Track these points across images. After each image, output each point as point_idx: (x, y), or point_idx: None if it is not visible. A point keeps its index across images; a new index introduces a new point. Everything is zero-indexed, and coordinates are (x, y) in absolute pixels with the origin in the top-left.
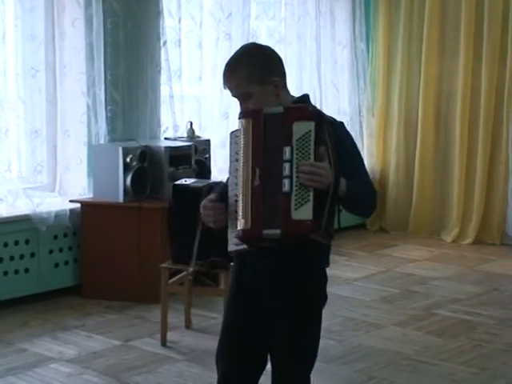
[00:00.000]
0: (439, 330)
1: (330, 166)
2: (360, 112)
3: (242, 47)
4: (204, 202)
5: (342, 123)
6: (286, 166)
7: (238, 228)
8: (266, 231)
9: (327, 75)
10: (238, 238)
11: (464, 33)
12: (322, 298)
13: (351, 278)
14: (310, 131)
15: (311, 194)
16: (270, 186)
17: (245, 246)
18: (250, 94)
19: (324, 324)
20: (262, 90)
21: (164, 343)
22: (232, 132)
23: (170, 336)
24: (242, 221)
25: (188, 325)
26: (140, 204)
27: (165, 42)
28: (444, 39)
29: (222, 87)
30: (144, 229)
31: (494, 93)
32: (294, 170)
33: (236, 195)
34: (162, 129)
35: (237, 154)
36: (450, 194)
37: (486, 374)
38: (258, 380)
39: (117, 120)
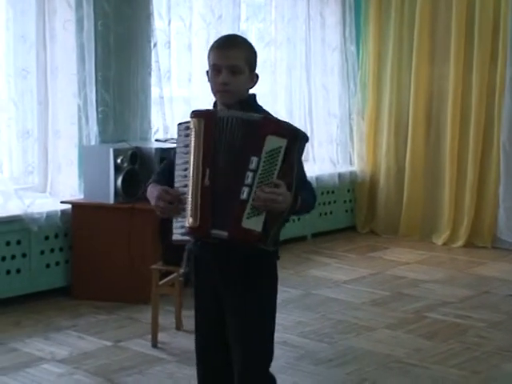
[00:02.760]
0: (430, 333)
1: (289, 190)
2: (350, 115)
3: (237, 34)
4: (162, 193)
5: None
6: (250, 175)
7: (186, 225)
8: (214, 231)
9: (317, 78)
10: (186, 235)
11: (455, 36)
12: (273, 291)
13: (342, 280)
14: (280, 147)
15: None
16: (224, 187)
17: (189, 238)
18: (241, 72)
19: (315, 326)
20: (248, 76)
21: (155, 344)
22: (181, 123)
23: (161, 337)
24: (190, 218)
25: (179, 326)
26: (131, 205)
27: (155, 44)
28: (435, 42)
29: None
30: (135, 230)
31: (485, 96)
32: (257, 180)
33: (185, 186)
34: (153, 130)
35: (186, 147)
36: (441, 196)
37: (478, 377)
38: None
39: (108, 121)
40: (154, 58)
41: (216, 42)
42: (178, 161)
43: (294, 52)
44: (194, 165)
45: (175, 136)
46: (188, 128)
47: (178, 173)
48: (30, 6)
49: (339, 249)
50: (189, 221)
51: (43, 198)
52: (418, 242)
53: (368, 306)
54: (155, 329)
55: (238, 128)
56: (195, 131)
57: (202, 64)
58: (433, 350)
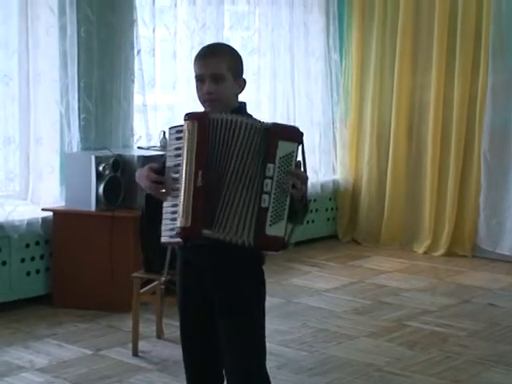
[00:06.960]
0: (411, 342)
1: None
2: (333, 123)
3: (219, 42)
4: (148, 173)
5: None
6: (268, 182)
7: (178, 225)
8: (205, 231)
9: (301, 86)
10: (177, 235)
11: (437, 45)
12: (262, 293)
13: (323, 288)
14: (292, 152)
15: (285, 212)
16: (219, 189)
17: (179, 240)
18: (224, 79)
19: (295, 335)
20: (233, 83)
21: (135, 353)
22: (172, 127)
23: (142, 346)
24: (182, 219)
25: (159, 334)
26: (112, 213)
27: (139, 51)
28: (417, 52)
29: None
30: (116, 238)
31: (467, 106)
32: (274, 186)
33: (177, 189)
34: (135, 138)
35: (177, 150)
36: (422, 205)
37: None
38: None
39: (90, 128)
40: (137, 66)
41: (198, 52)
42: (169, 164)
43: (278, 60)
44: (186, 166)
45: (158, 144)
46: (179, 131)
47: (168, 175)
48: (12, 11)
49: (320, 257)
50: (180, 221)
51: (24, 205)
52: (399, 251)
53: (349, 315)
54: (136, 337)
55: (239, 132)
56: (189, 133)
57: (187, 72)
58: (413, 358)
